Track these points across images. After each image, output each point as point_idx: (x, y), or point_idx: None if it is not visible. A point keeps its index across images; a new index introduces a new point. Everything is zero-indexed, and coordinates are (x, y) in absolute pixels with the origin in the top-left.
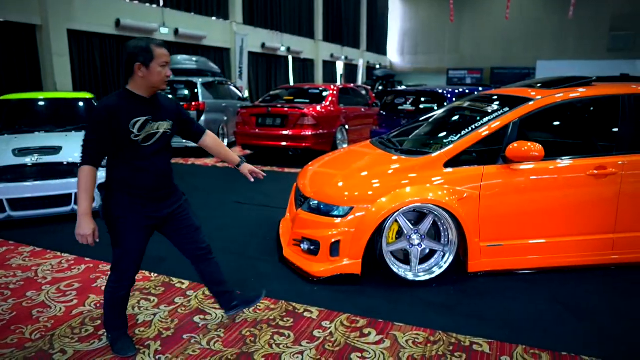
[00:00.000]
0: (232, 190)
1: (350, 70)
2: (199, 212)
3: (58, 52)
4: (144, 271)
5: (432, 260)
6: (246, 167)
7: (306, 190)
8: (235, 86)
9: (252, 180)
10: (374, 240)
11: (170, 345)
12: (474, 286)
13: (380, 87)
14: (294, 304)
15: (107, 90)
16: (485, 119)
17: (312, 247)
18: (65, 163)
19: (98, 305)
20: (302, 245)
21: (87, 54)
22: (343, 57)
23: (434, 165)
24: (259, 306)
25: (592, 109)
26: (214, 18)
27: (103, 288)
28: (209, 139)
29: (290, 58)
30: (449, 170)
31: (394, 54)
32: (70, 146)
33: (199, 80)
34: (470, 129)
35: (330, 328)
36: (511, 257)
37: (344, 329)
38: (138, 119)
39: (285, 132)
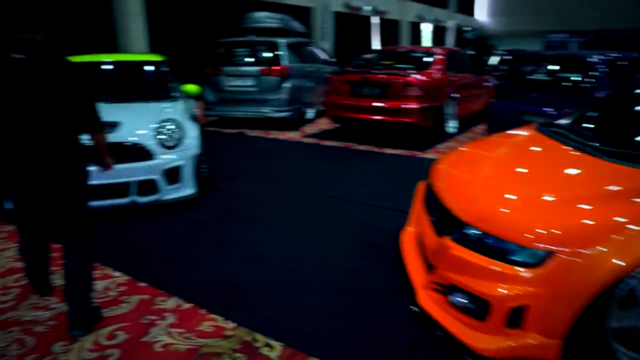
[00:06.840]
0: (325, 177)
1: (437, 32)
2: (290, 206)
3: (131, 11)
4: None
5: None
6: None
7: (453, 205)
8: (322, 48)
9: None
10: (587, 311)
11: None
12: None
13: (473, 52)
14: None
15: (185, 53)
16: None
17: (473, 307)
18: (122, 144)
19: None
20: (452, 297)
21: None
22: (431, 18)
23: None
24: None
25: None
26: None
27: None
28: None
29: (376, 19)
30: None
31: (483, 15)
32: (130, 121)
33: (283, 41)
34: None
35: None
36: None
37: None
38: None
39: (384, 104)
